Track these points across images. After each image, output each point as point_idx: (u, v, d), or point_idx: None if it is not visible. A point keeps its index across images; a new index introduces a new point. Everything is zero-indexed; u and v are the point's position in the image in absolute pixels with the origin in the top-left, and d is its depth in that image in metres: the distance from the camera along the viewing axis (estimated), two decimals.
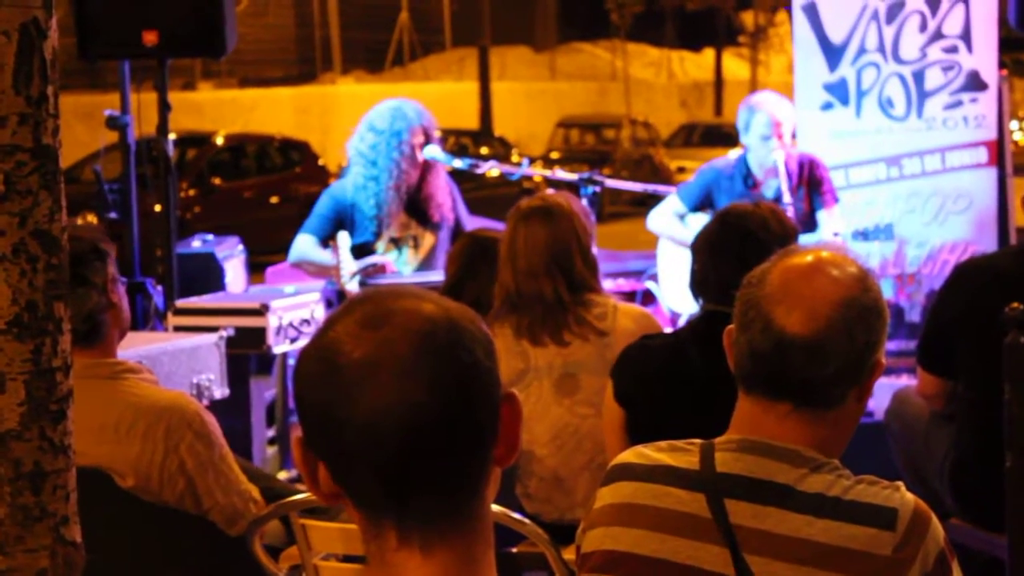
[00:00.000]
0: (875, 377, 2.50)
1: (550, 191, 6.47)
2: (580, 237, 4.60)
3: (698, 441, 2.50)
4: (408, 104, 7.01)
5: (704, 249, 4.01)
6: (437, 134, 7.04)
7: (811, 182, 7.20)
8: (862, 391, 2.50)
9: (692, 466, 2.46)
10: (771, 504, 2.39)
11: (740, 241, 3.90)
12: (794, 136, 7.31)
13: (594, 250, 4.72)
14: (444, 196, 6.97)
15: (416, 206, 6.90)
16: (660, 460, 2.49)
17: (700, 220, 7.18)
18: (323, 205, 6.96)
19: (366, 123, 6.95)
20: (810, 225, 7.05)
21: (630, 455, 2.55)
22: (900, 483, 2.45)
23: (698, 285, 4.01)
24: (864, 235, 7.05)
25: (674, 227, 7.40)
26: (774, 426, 2.46)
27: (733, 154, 7.45)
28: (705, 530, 2.40)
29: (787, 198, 6.95)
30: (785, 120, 7.10)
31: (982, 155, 7.77)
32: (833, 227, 7.01)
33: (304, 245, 6.86)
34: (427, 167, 6.91)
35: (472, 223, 7.11)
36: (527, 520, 3.63)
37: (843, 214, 7.34)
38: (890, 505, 2.38)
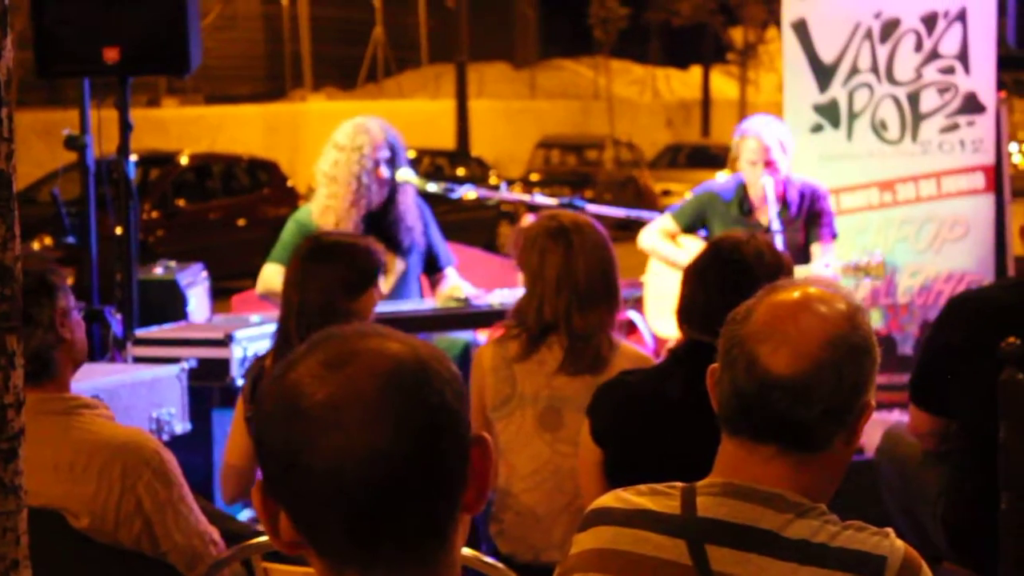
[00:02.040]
0: (864, 420, 2.43)
1: (529, 217, 6.19)
2: (611, 263, 4.53)
3: (680, 485, 2.45)
4: (372, 120, 6.83)
5: (693, 277, 3.93)
6: (409, 154, 6.81)
7: (810, 214, 7.01)
8: (850, 434, 2.43)
9: (673, 511, 2.41)
10: (754, 551, 2.34)
11: (731, 271, 3.83)
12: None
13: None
14: (414, 219, 6.74)
15: (384, 230, 6.62)
16: (640, 504, 2.45)
17: (691, 241, 7.14)
18: (288, 231, 6.80)
19: (330, 142, 6.79)
20: (802, 257, 6.85)
21: (609, 499, 2.50)
22: (890, 529, 2.39)
23: (683, 313, 3.93)
24: (856, 269, 6.85)
25: (664, 247, 7.21)
26: (758, 469, 2.41)
27: (732, 177, 7.24)
28: None
29: (775, 225, 6.76)
30: (774, 145, 6.89)
31: (979, 181, 7.73)
32: (825, 262, 6.81)
33: (271, 275, 6.68)
34: (395, 188, 6.66)
35: (446, 249, 6.95)
36: (500, 565, 3.50)
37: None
38: (879, 553, 2.33)
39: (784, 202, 6.98)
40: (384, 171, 6.63)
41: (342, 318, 4.32)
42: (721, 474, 2.44)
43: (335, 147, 6.68)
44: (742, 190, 7.10)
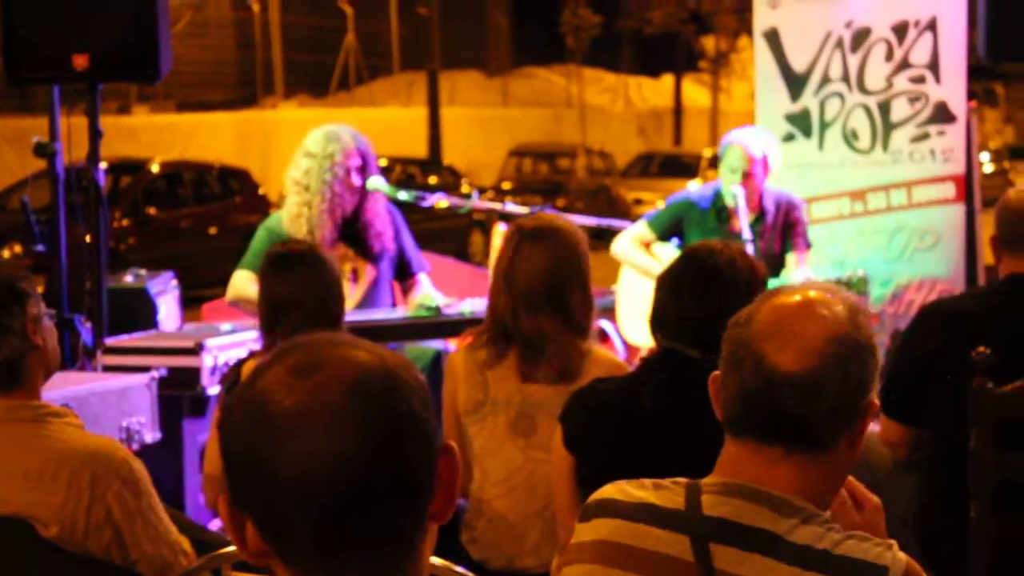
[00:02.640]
0: (868, 421, 2.45)
1: (501, 226, 6.18)
2: (582, 269, 4.47)
3: (683, 481, 2.45)
4: (343, 128, 6.81)
5: (667, 285, 3.90)
6: (380, 162, 6.79)
7: (786, 224, 7.00)
8: (855, 435, 2.44)
9: (677, 506, 2.41)
10: (758, 551, 2.33)
11: (704, 279, 3.81)
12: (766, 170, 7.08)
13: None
14: (384, 224, 6.72)
15: (354, 236, 6.63)
16: (643, 498, 2.45)
17: (665, 249, 7.14)
18: (259, 239, 6.76)
19: (300, 149, 6.76)
20: (777, 267, 6.83)
21: (611, 491, 2.50)
22: (894, 541, 2.38)
23: (656, 320, 3.90)
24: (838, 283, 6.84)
25: (638, 255, 7.19)
26: (765, 471, 2.41)
27: (708, 185, 7.23)
28: (687, 574, 2.36)
29: (746, 234, 6.74)
30: (758, 156, 6.87)
31: (950, 190, 7.74)
32: (801, 273, 6.82)
33: (241, 281, 6.65)
34: (364, 195, 6.66)
35: (419, 255, 6.93)
36: (470, 574, 3.46)
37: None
38: (881, 563, 2.33)
39: (760, 211, 6.97)
40: (355, 179, 6.62)
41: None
42: (726, 474, 2.44)
43: (306, 155, 6.66)
44: (719, 199, 7.07)
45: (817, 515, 2.37)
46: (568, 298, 4.41)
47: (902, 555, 2.35)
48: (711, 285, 3.75)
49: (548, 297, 4.40)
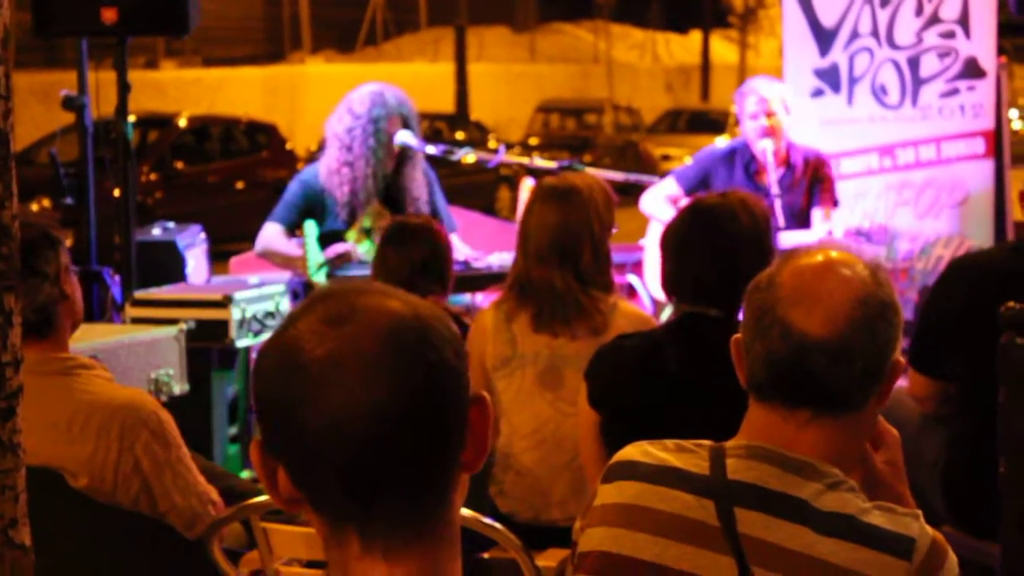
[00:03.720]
0: (895, 379, 2.43)
1: (528, 180, 6.18)
2: (593, 227, 4.51)
3: (706, 443, 2.44)
4: (389, 90, 6.87)
5: (673, 245, 3.92)
6: (419, 123, 6.85)
7: (814, 179, 6.98)
8: (882, 394, 2.43)
9: (701, 470, 2.40)
10: (784, 517, 2.33)
11: (710, 235, 3.83)
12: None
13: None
14: (420, 189, 6.85)
15: (391, 196, 6.69)
16: (667, 460, 2.43)
17: None
18: (292, 191, 6.83)
19: (345, 105, 6.82)
20: (803, 222, 6.82)
21: (635, 452, 2.48)
22: (919, 512, 2.37)
23: (670, 285, 3.92)
24: (859, 234, 6.84)
25: (666, 211, 7.19)
26: (792, 435, 2.39)
27: (736, 140, 7.23)
28: (711, 538, 2.34)
29: (775, 189, 6.74)
30: (773, 97, 6.88)
31: (979, 146, 7.70)
32: (826, 228, 6.79)
33: (271, 234, 6.70)
34: (404, 157, 6.79)
35: (449, 215, 7.01)
36: (499, 525, 3.52)
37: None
38: (909, 534, 2.31)
39: (788, 165, 6.96)
40: (397, 143, 6.70)
41: None
42: (751, 437, 2.42)
43: (351, 114, 6.73)
44: (747, 151, 7.06)
45: (844, 481, 2.36)
46: (579, 255, 4.45)
47: (929, 527, 2.34)
48: (717, 241, 3.77)
49: (556, 254, 4.45)
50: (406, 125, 6.76)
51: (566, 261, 4.44)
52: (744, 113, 7.02)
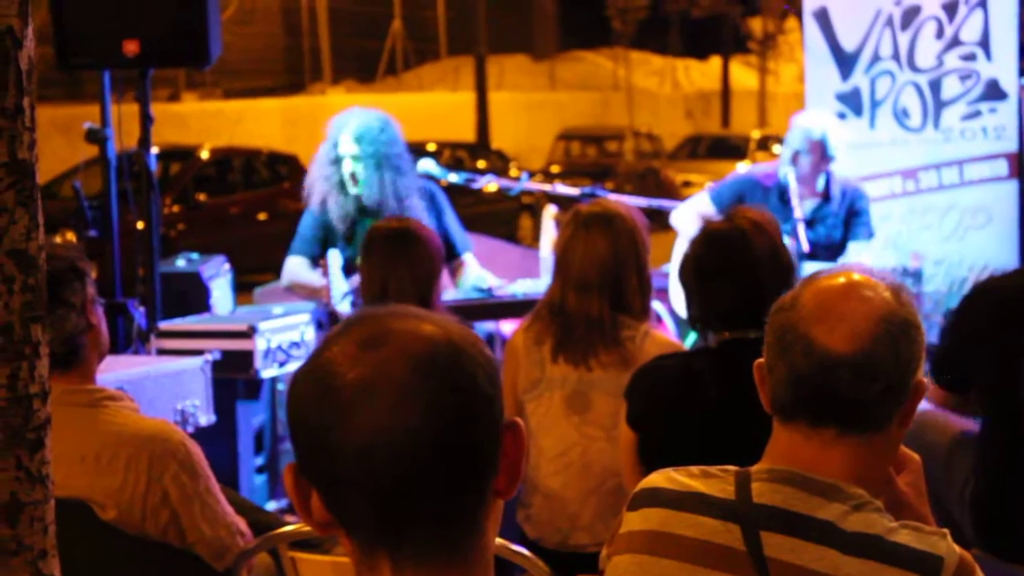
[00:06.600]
0: (918, 399, 2.43)
1: (552, 207, 6.18)
2: (639, 253, 4.54)
3: (732, 469, 2.44)
4: (366, 114, 6.89)
5: (693, 276, 3.92)
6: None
7: (849, 213, 6.99)
8: (905, 414, 2.43)
9: (727, 495, 2.40)
10: (810, 539, 2.32)
11: (727, 263, 3.84)
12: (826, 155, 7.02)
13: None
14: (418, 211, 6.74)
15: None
16: (693, 487, 2.43)
17: None
18: (304, 223, 6.91)
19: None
20: (838, 253, 6.87)
21: (660, 479, 2.49)
22: (947, 531, 2.35)
23: (701, 319, 3.91)
24: (906, 274, 6.87)
25: (694, 228, 7.19)
26: (816, 455, 2.40)
27: (772, 165, 7.23)
28: (738, 563, 2.34)
29: (798, 213, 6.74)
30: (818, 138, 6.88)
31: (1002, 167, 7.69)
32: (862, 259, 6.79)
33: (295, 267, 6.72)
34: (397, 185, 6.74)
35: (463, 235, 6.96)
36: (527, 552, 3.52)
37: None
38: (937, 552, 2.30)
39: (826, 197, 6.98)
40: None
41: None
42: (776, 461, 2.43)
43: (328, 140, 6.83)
44: (784, 178, 7.07)
45: (870, 502, 2.36)
46: (625, 283, 4.46)
47: (956, 546, 2.33)
48: (734, 267, 3.79)
49: (601, 282, 4.45)
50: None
51: (608, 288, 4.45)
52: (788, 144, 7.06)
